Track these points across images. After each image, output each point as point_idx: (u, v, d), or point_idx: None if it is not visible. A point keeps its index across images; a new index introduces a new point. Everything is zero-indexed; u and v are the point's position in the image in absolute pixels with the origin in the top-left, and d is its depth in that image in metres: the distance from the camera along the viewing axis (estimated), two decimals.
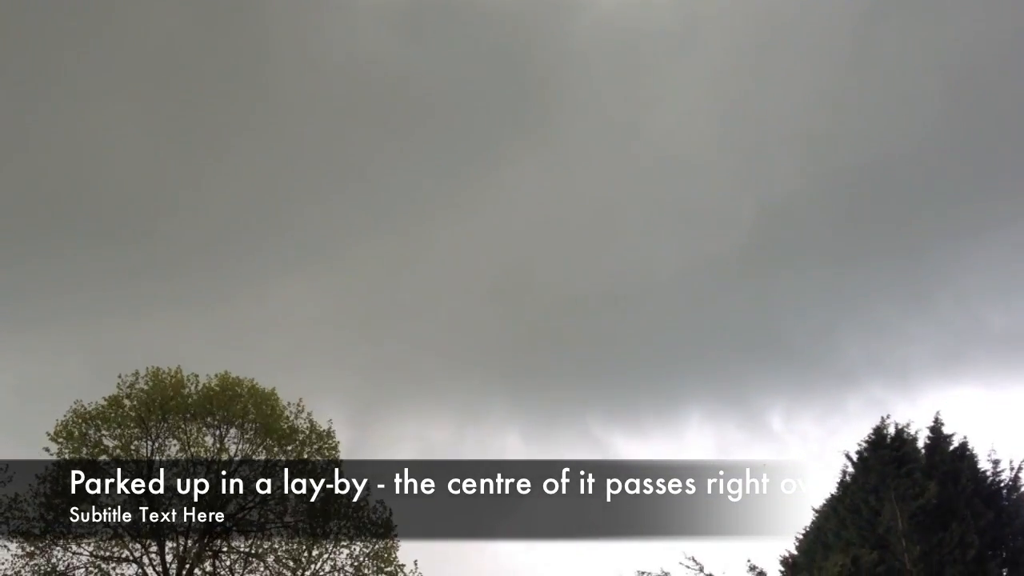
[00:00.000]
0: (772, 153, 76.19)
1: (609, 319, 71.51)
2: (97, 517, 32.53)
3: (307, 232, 70.12)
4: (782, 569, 30.51)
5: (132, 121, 67.36)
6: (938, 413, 32.79)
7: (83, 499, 32.44)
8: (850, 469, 32.00)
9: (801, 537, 31.11)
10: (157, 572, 32.57)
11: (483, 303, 71.05)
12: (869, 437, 32.68)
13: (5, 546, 30.96)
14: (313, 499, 33.60)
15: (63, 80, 67.30)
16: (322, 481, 34.06)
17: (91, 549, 32.28)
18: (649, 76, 76.71)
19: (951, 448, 32.89)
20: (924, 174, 72.35)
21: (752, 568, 29.33)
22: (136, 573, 32.73)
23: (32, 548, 31.38)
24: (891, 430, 32.96)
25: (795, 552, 30.92)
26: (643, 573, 29.84)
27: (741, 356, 71.09)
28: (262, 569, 33.40)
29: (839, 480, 31.66)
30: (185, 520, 33.09)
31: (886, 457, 31.78)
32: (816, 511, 31.29)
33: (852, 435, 70.32)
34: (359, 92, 74.00)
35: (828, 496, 31.24)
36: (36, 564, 31.54)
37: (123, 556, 32.64)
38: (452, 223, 73.33)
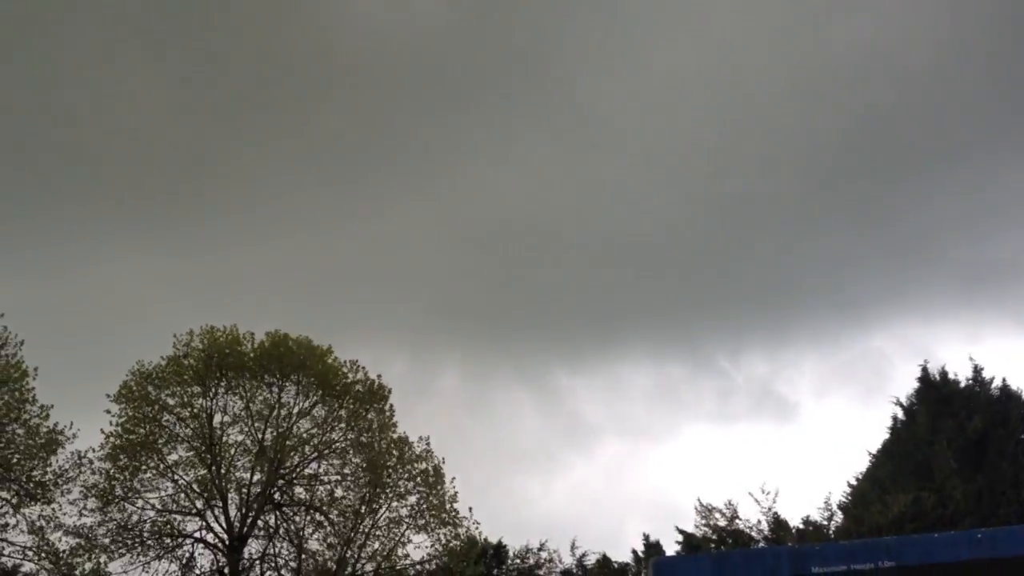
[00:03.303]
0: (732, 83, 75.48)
1: (551, 257, 71.70)
2: (163, 474, 33.32)
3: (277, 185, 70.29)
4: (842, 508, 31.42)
5: (140, 76, 66.76)
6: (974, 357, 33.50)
7: (148, 456, 33.12)
8: (900, 415, 32.96)
9: (855, 482, 32.12)
10: (221, 525, 33.23)
11: (440, 247, 71.26)
12: (916, 384, 33.55)
13: (74, 503, 31.43)
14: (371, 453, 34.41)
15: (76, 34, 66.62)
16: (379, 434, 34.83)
17: (157, 504, 32.87)
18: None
19: (991, 390, 33.90)
20: (888, 105, 71.97)
21: (827, 504, 30.27)
22: (201, 527, 33.40)
23: (101, 504, 31.92)
24: (935, 374, 33.86)
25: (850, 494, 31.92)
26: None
27: (683, 287, 70.94)
28: (322, 520, 34.11)
29: (890, 426, 32.54)
30: (247, 474, 33.95)
31: (931, 399, 32.73)
32: (872, 455, 32.26)
33: (802, 369, 70.48)
34: (346, 62, 73.57)
35: (881, 442, 32.20)
36: (105, 519, 32.12)
37: (188, 510, 33.28)
38: (423, 176, 73.39)
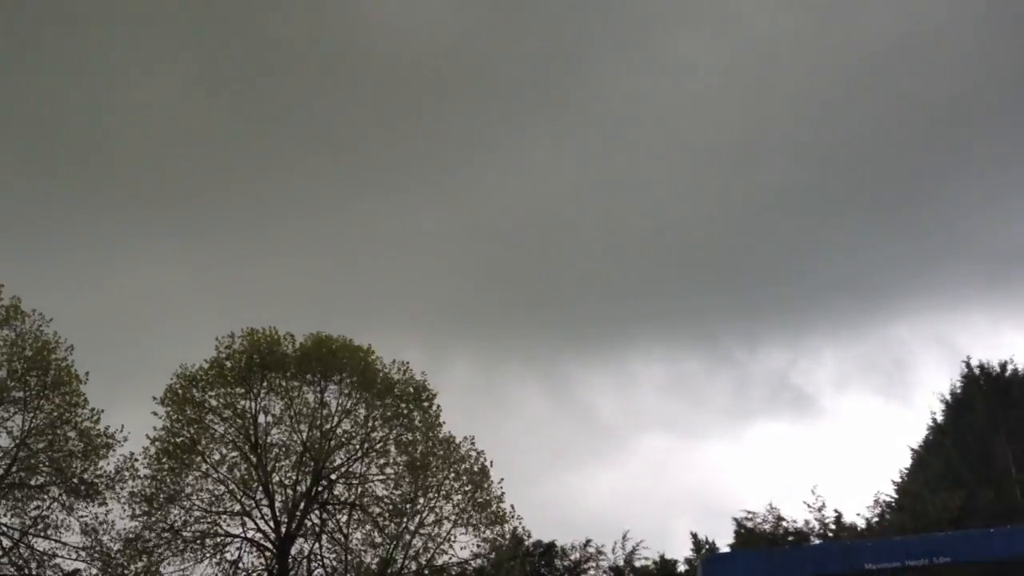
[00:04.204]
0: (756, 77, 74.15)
1: (565, 250, 70.94)
2: (208, 475, 33.56)
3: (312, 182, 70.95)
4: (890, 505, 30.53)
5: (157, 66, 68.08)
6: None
7: (194, 459, 33.39)
8: (940, 410, 31.85)
9: (900, 479, 31.12)
10: (269, 524, 33.35)
11: (454, 242, 71.07)
12: (963, 375, 32.46)
13: (124, 506, 31.75)
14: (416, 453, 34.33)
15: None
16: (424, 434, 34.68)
17: (204, 505, 33.08)
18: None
19: None
20: (910, 95, 70.10)
21: (877, 501, 29.38)
22: (245, 526, 33.52)
23: (148, 508, 32.19)
24: (992, 366, 32.65)
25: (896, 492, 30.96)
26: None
27: (700, 279, 69.44)
28: (364, 519, 34.06)
29: (931, 420, 31.51)
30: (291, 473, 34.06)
31: (989, 391, 31.59)
32: (915, 451, 31.23)
33: (822, 360, 68.41)
34: (360, 63, 73.95)
35: (923, 438, 31.15)
36: (153, 522, 32.40)
37: (234, 510, 33.46)
38: (437, 171, 73.43)
